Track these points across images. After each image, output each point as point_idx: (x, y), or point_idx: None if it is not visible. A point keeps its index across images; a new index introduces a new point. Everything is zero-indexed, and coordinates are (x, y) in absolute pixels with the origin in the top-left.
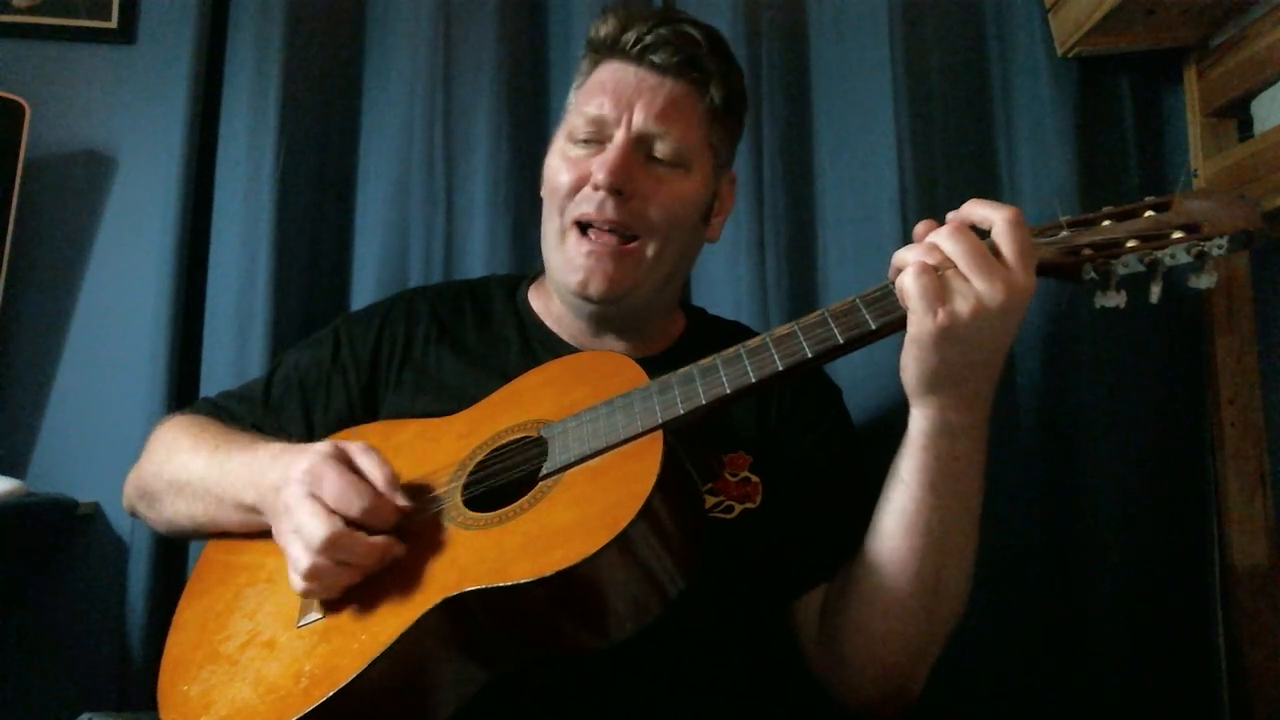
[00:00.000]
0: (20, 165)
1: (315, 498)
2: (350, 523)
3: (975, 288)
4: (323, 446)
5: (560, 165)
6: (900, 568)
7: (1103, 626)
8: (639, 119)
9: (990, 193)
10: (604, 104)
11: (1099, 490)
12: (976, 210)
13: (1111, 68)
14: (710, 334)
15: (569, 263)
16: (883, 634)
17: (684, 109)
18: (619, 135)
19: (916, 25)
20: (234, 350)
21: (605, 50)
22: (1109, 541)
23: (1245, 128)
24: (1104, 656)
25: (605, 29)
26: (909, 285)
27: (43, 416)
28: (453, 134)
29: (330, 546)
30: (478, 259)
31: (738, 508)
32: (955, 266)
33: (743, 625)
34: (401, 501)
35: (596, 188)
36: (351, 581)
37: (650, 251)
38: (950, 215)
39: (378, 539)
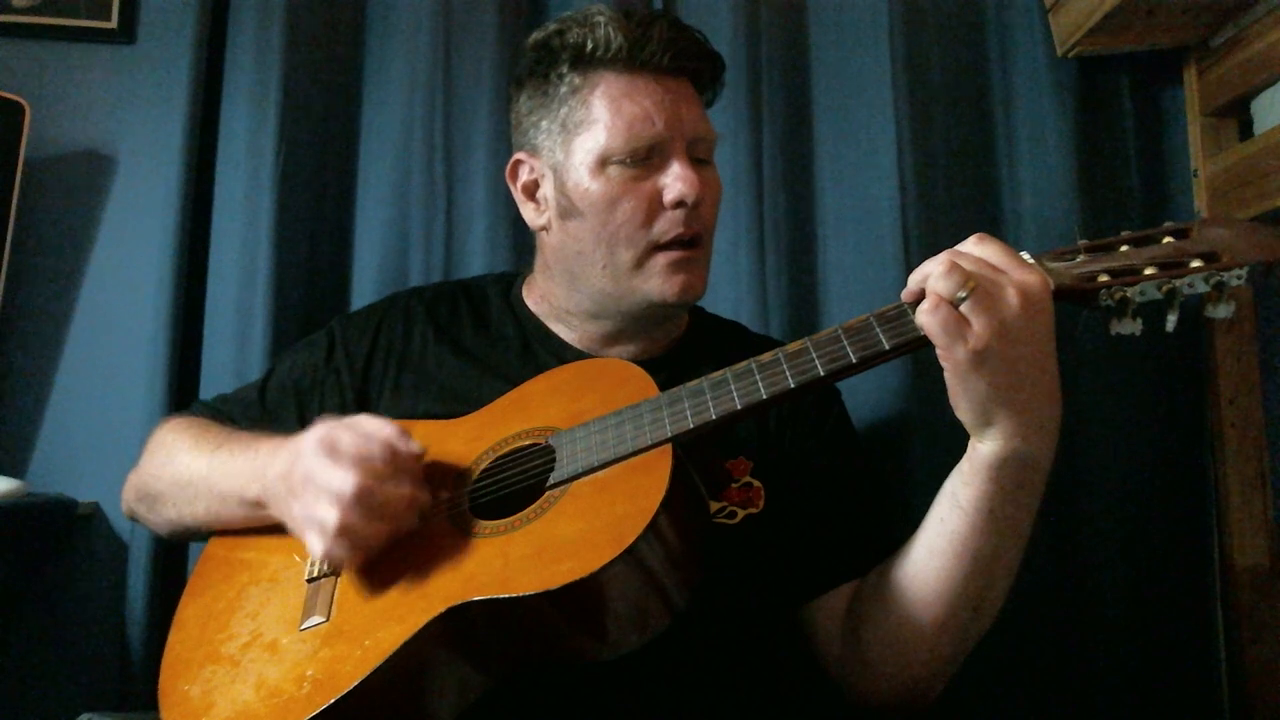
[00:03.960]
0: (20, 165)
1: (336, 457)
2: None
3: (994, 299)
4: (326, 420)
5: (618, 194)
6: (944, 588)
7: (1103, 625)
8: (689, 129)
9: (990, 193)
10: (656, 123)
11: (1100, 490)
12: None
13: (1111, 68)
14: (711, 334)
15: (660, 278)
16: (914, 647)
17: (700, 106)
18: (679, 151)
19: (916, 25)
20: (234, 350)
21: (615, 62)
22: (1109, 541)
23: (1245, 128)
24: (1104, 656)
25: (613, 40)
26: (927, 323)
27: (43, 416)
28: (453, 134)
29: (363, 495)
30: (478, 259)
31: (740, 513)
32: (979, 284)
33: (749, 630)
34: (417, 449)
35: (679, 205)
36: (379, 538)
37: (710, 249)
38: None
39: (405, 487)
